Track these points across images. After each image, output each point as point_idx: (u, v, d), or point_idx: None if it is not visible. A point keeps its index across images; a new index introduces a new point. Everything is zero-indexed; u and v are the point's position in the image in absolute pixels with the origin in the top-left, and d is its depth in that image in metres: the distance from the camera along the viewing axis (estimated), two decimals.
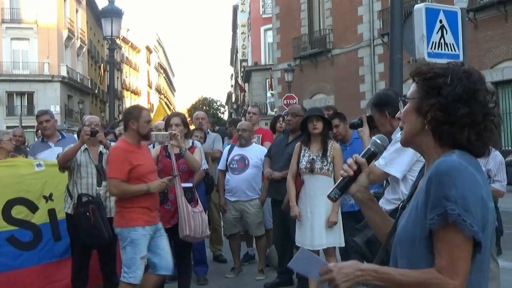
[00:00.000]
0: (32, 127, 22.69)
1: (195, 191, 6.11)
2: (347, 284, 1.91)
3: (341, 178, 2.15)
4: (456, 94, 1.89)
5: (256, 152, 7.43)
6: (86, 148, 6.08)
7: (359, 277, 1.90)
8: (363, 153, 2.19)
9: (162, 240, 5.40)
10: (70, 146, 6.05)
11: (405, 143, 2.07)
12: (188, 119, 8.23)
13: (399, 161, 3.99)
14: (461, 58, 6.89)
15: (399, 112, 2.09)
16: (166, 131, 6.06)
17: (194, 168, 6.01)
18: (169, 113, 10.15)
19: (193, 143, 7.37)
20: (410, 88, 2.10)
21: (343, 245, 5.98)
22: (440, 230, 1.79)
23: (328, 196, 2.15)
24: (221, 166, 7.66)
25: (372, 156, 2.18)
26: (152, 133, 5.82)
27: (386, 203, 4.11)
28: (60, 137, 7.36)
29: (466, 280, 1.79)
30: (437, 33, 6.79)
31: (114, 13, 14.06)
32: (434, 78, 1.95)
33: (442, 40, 6.82)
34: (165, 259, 5.37)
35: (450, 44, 6.88)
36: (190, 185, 5.97)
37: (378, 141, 2.19)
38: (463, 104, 1.88)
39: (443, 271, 1.78)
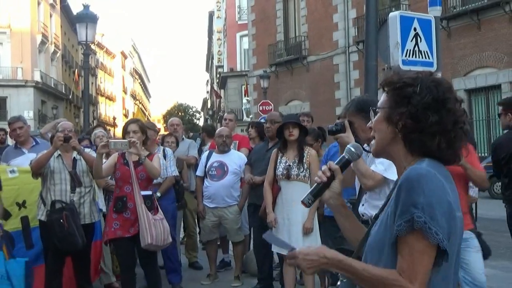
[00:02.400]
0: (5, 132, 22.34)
1: (155, 199, 6.04)
2: (312, 270, 1.97)
3: (315, 184, 2.19)
4: (426, 102, 1.93)
5: (234, 158, 7.42)
6: (59, 155, 6.01)
7: (324, 264, 1.95)
8: (337, 160, 2.22)
9: (469, 253, 4.94)
10: (43, 152, 5.97)
11: (377, 152, 2.11)
12: (164, 125, 8.20)
13: (393, 166, 4.06)
14: (435, 66, 6.97)
15: (370, 122, 2.12)
16: (124, 138, 5.99)
17: (153, 176, 5.93)
18: (145, 118, 10.08)
19: (164, 150, 7.33)
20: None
21: None
22: (406, 235, 1.82)
23: (302, 202, 2.19)
24: (199, 172, 7.61)
25: (346, 163, 2.21)
26: (110, 140, 5.76)
27: (372, 208, 4.13)
28: (34, 143, 7.26)
29: (425, 285, 1.82)
30: (411, 41, 6.85)
31: (89, 18, 13.94)
32: (403, 88, 1.99)
33: (416, 48, 6.88)
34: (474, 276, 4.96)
35: (424, 51, 6.95)
36: (149, 193, 5.89)
37: (353, 149, 2.23)
38: (432, 112, 1.93)
39: (403, 274, 1.82)
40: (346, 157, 2.22)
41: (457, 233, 1.89)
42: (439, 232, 1.79)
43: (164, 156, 7.21)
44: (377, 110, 2.07)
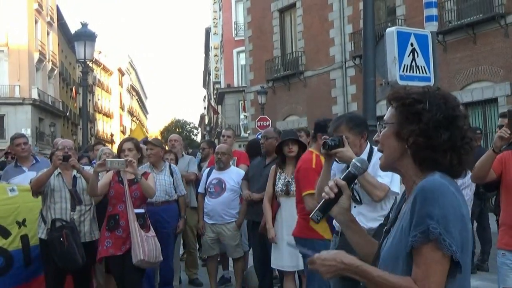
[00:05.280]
0: (2, 150, 22.28)
1: (147, 217, 6.04)
2: (330, 275, 2.01)
3: (323, 200, 2.18)
4: (437, 120, 1.95)
5: (233, 175, 7.43)
6: (59, 173, 6.02)
7: (342, 270, 1.98)
8: (343, 175, 2.22)
9: None
10: (43, 171, 5.97)
11: (385, 167, 2.12)
12: (162, 142, 8.23)
13: (395, 179, 4.12)
14: (432, 81, 7.01)
15: (376, 135, 2.14)
16: (119, 156, 6.00)
17: (148, 195, 5.93)
18: (146, 134, 10.10)
19: (170, 167, 7.37)
20: (383, 110, 2.14)
21: None
22: (421, 246, 1.85)
23: (311, 218, 2.19)
24: (200, 189, 7.66)
25: (352, 178, 2.22)
26: (107, 159, 5.77)
27: (369, 221, 4.16)
28: (34, 161, 7.27)
29: None
30: (408, 56, 6.90)
31: (87, 36, 13.99)
32: (413, 104, 2.00)
33: (413, 63, 6.94)
34: None
35: (421, 66, 7.00)
36: (142, 211, 5.90)
37: (359, 164, 2.23)
38: (444, 130, 1.95)
39: (417, 282, 1.84)
40: (352, 172, 2.22)
41: (469, 244, 1.92)
42: (453, 244, 1.83)
43: (171, 173, 7.26)
44: (384, 124, 2.08)
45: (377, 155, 4.14)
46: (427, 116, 1.96)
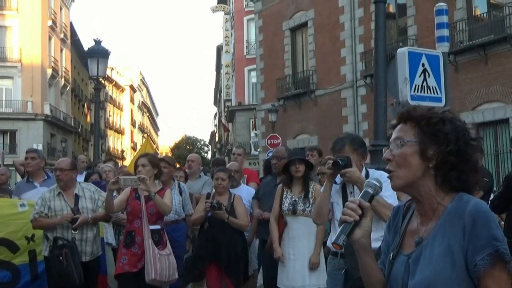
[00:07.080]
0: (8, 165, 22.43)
1: (164, 233, 6.02)
2: None
3: (344, 223, 2.06)
4: (466, 141, 1.95)
5: (243, 193, 7.41)
6: (60, 192, 6.00)
7: None
8: (361, 195, 2.13)
9: None
10: (48, 221, 5.91)
11: (403, 186, 2.04)
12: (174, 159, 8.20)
13: (395, 198, 4.10)
14: (443, 101, 7.00)
15: (387, 153, 2.07)
16: (135, 172, 6.00)
17: (163, 212, 5.92)
18: (156, 150, 10.10)
19: (179, 185, 7.33)
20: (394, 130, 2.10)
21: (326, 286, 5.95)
22: (490, 269, 1.81)
23: (335, 243, 2.06)
24: None
25: (371, 198, 2.13)
26: (120, 177, 5.77)
27: (373, 241, 4.14)
28: (46, 177, 7.29)
29: None
30: (419, 76, 6.90)
31: (100, 54, 14.05)
32: (438, 124, 1.97)
33: (424, 83, 6.94)
34: None
35: (432, 87, 7.00)
36: (158, 227, 5.88)
37: (377, 183, 2.14)
38: (473, 151, 1.96)
39: None
40: (371, 192, 2.12)
41: None
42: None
43: (180, 192, 7.23)
44: (402, 143, 2.02)
45: (373, 176, 4.14)
46: (455, 136, 1.94)
